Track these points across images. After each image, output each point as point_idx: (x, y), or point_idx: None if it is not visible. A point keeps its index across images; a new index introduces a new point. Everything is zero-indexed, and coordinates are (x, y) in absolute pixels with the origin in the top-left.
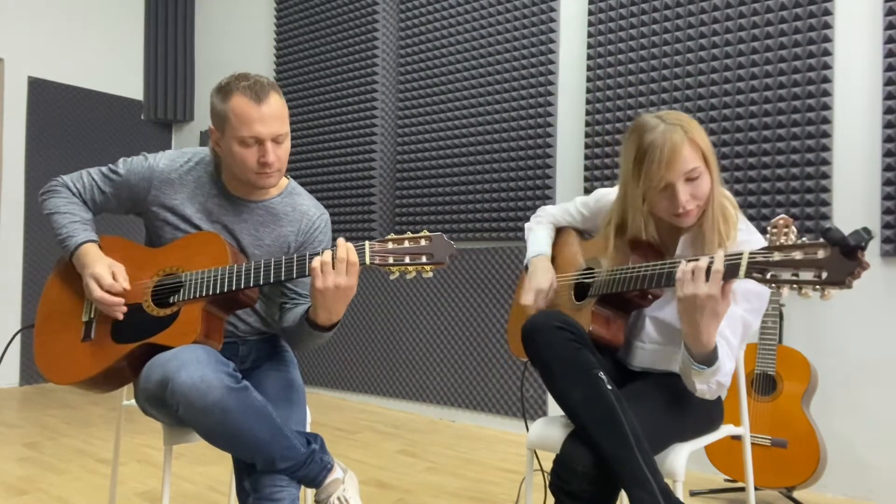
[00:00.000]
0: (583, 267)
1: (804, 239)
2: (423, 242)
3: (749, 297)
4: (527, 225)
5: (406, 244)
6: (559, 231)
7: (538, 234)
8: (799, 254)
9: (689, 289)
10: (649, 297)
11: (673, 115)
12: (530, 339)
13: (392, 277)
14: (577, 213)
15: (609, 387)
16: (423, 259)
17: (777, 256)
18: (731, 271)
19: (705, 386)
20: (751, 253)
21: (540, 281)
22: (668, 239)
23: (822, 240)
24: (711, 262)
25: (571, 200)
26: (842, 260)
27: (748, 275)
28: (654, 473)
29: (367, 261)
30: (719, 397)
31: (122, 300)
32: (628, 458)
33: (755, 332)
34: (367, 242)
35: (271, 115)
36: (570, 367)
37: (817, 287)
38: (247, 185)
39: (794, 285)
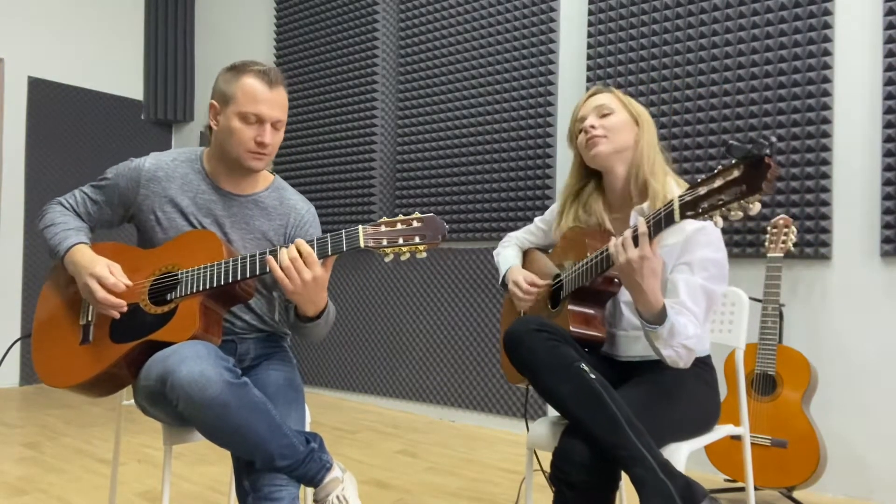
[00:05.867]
0: (552, 276)
1: (720, 167)
2: (415, 223)
3: (706, 265)
4: (494, 252)
5: (399, 226)
6: (525, 253)
7: (506, 255)
8: (719, 180)
9: (622, 258)
10: (615, 281)
11: None
12: (511, 347)
13: (387, 260)
14: (538, 230)
15: (592, 375)
16: (416, 239)
17: (702, 190)
18: (667, 219)
19: (671, 351)
20: (679, 196)
21: (519, 279)
22: (623, 218)
23: (732, 161)
24: (636, 229)
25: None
26: (753, 171)
27: (682, 216)
28: (650, 450)
29: (362, 244)
30: (717, 394)
31: (123, 301)
32: (622, 441)
33: (756, 332)
34: (360, 226)
35: (277, 101)
36: (552, 364)
37: (743, 203)
38: (235, 168)
39: (724, 209)
